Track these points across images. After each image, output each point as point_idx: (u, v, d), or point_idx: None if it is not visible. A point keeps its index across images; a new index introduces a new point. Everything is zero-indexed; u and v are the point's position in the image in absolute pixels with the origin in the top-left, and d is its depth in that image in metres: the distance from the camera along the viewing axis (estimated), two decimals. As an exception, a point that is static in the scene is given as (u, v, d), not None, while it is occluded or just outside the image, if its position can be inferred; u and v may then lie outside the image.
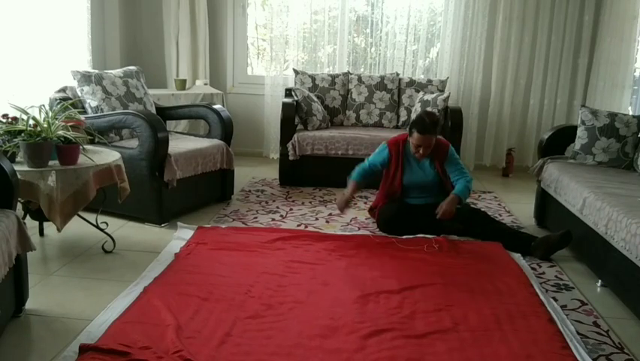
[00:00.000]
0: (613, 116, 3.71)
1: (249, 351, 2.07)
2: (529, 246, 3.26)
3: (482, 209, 3.82)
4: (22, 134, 2.67)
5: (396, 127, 5.04)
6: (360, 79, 5.09)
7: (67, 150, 2.78)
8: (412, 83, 5.08)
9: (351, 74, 5.18)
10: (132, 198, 3.23)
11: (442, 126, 4.73)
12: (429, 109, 4.72)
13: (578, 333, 2.34)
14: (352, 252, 3.14)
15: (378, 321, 2.33)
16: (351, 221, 3.77)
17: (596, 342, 2.30)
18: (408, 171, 3.48)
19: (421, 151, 3.35)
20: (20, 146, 2.67)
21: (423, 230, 3.42)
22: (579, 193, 3.17)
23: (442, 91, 4.98)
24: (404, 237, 3.38)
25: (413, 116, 4.87)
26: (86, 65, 4.68)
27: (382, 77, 5.07)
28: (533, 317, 2.42)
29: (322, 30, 5.58)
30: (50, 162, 2.76)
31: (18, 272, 2.27)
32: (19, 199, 2.60)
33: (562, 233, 3.23)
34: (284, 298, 2.52)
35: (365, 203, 4.21)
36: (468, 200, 3.63)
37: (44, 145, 2.69)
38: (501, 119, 5.53)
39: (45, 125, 2.71)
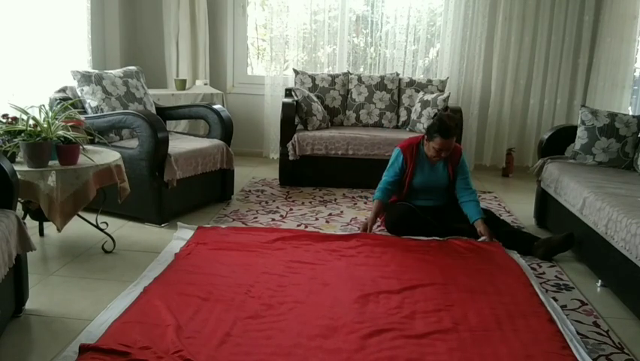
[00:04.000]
0: (613, 116, 3.71)
1: (249, 351, 2.07)
2: (532, 245, 3.27)
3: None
4: (22, 135, 2.67)
5: (396, 127, 5.04)
6: (360, 79, 5.09)
7: (67, 150, 2.78)
8: (412, 83, 5.08)
9: (351, 74, 5.18)
10: (132, 198, 3.23)
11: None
12: (429, 109, 4.73)
13: (578, 333, 2.34)
14: (352, 252, 3.13)
15: (378, 321, 2.33)
16: (351, 221, 3.77)
17: (596, 342, 2.30)
18: (419, 173, 3.45)
19: (442, 155, 3.33)
20: (20, 146, 2.67)
21: (430, 232, 3.40)
22: (579, 193, 3.17)
23: (442, 91, 4.98)
24: (406, 237, 3.39)
25: (414, 116, 4.88)
26: (86, 65, 4.69)
27: (382, 77, 5.07)
28: (533, 317, 2.42)
29: (322, 30, 5.58)
30: (50, 162, 2.76)
31: (18, 272, 2.27)
32: (19, 199, 2.60)
33: (565, 235, 3.23)
34: (284, 298, 2.52)
35: (365, 203, 4.21)
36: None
37: (44, 145, 2.68)
38: (501, 119, 5.53)
39: (45, 125, 2.71)
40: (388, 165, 3.52)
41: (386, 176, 3.49)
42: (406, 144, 3.51)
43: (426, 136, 3.40)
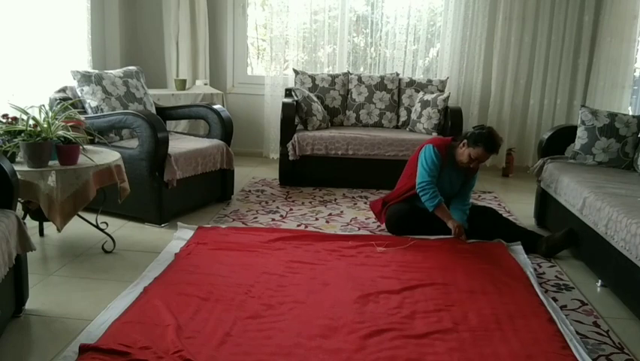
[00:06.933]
0: (613, 116, 3.71)
1: (249, 351, 2.07)
2: (536, 243, 3.28)
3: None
4: (22, 135, 2.67)
5: (396, 127, 5.04)
6: (360, 79, 5.08)
7: (67, 150, 2.78)
8: (412, 83, 5.08)
9: (351, 74, 5.18)
10: (132, 198, 3.23)
11: (442, 126, 4.75)
12: (429, 109, 4.73)
13: (578, 333, 2.34)
14: (352, 252, 3.14)
15: (378, 321, 2.33)
16: (351, 221, 3.77)
17: (596, 342, 2.30)
18: (442, 176, 3.40)
19: (472, 165, 3.30)
20: (20, 146, 2.66)
21: (432, 232, 3.39)
22: (579, 193, 3.16)
23: (442, 91, 4.98)
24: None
25: (414, 116, 4.88)
26: (86, 65, 4.68)
27: (382, 77, 5.07)
28: (533, 317, 2.42)
29: (322, 30, 5.58)
30: (50, 162, 2.76)
31: (18, 272, 2.27)
32: (19, 199, 2.60)
33: (564, 232, 3.24)
34: (284, 298, 2.52)
35: (365, 203, 4.21)
36: (472, 200, 3.67)
37: (44, 145, 2.68)
38: (501, 119, 5.53)
39: (45, 125, 2.71)
40: (428, 165, 3.31)
41: (430, 177, 3.30)
42: (440, 144, 3.39)
43: (466, 141, 3.29)
